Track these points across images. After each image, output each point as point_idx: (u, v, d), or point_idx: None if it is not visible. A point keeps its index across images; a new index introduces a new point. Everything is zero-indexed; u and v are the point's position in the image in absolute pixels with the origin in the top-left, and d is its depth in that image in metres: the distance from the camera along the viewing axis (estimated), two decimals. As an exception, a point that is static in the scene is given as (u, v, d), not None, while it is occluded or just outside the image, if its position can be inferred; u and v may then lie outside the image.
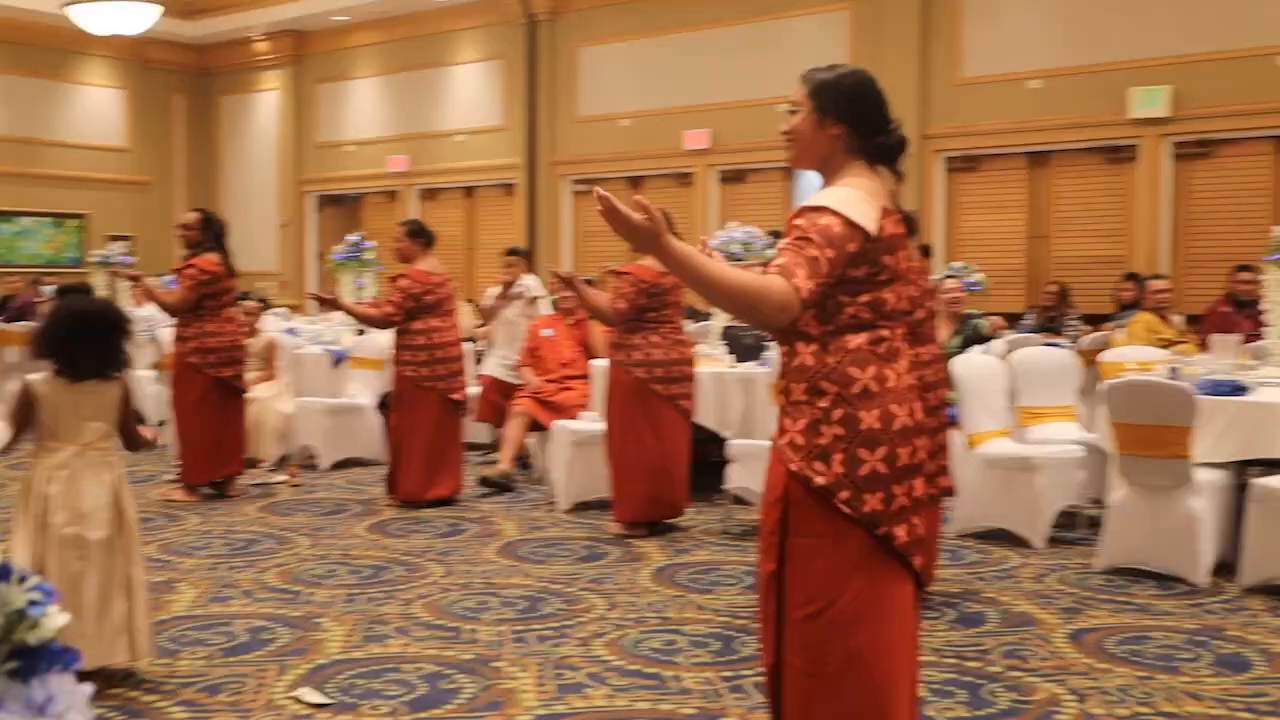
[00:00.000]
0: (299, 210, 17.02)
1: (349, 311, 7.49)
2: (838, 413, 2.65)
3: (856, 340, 2.68)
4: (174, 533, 6.47)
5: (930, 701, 3.95)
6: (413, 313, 7.14)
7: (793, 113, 2.80)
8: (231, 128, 17.88)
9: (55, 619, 1.30)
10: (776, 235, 7.46)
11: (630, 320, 6.36)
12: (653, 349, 6.37)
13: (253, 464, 8.10)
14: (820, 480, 2.65)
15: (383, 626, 4.78)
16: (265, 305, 10.45)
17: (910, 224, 3.19)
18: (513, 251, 9.02)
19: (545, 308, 8.81)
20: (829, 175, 2.79)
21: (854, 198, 2.66)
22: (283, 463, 8.37)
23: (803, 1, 12.47)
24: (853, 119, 2.75)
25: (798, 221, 2.63)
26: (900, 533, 2.67)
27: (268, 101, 17.40)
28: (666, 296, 6.44)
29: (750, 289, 2.48)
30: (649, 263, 6.32)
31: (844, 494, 2.64)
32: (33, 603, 1.29)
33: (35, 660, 1.28)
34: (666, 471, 6.41)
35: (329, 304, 7.48)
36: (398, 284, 7.16)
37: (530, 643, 4.58)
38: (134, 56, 17.15)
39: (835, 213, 2.61)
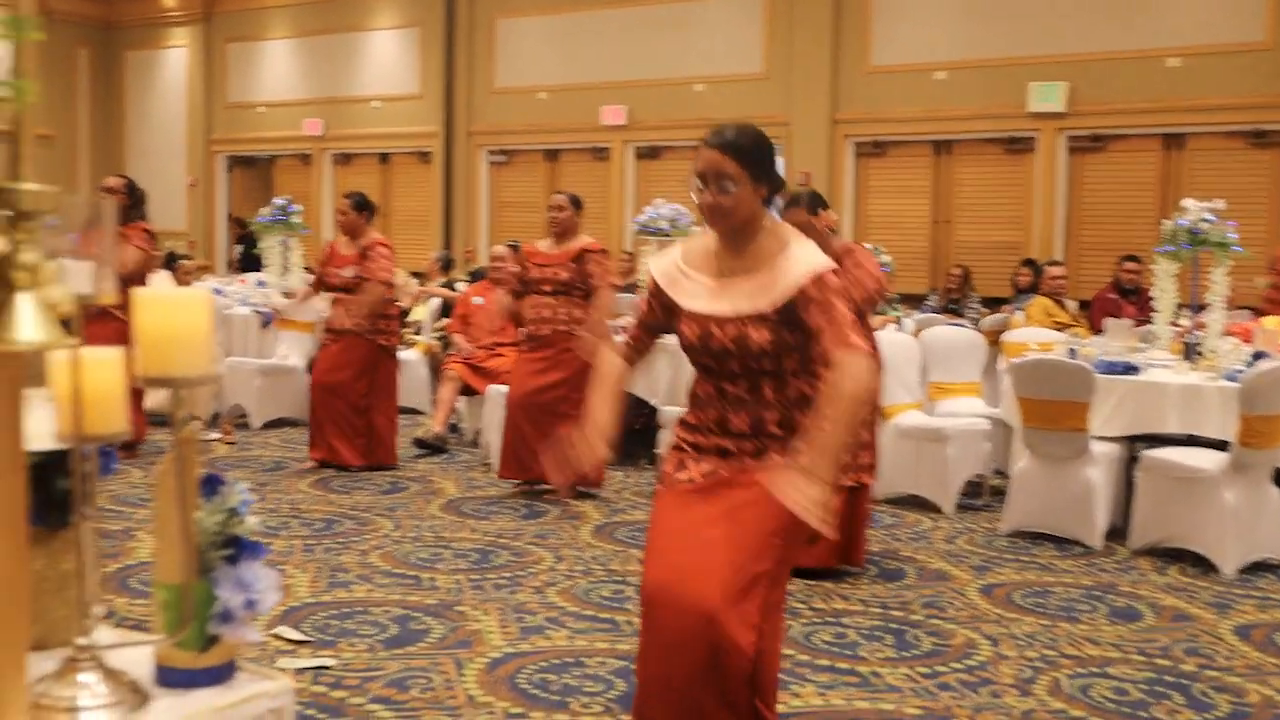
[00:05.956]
0: (208, 170, 16.89)
1: (362, 302, 7.15)
2: None
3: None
4: (119, 485, 6.59)
5: (861, 645, 4.36)
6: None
7: (725, 188, 2.80)
8: (138, 84, 17.62)
9: (254, 515, 1.59)
10: None
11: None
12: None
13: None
14: None
15: (345, 574, 5.04)
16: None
17: None
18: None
19: None
20: (751, 229, 2.89)
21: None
22: (215, 420, 8.50)
23: (719, -15, 12.81)
24: (770, 176, 2.91)
25: (821, 284, 2.81)
26: None
27: (176, 59, 17.20)
28: None
29: (863, 390, 2.73)
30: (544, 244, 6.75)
31: None
32: (244, 502, 1.57)
33: (241, 550, 1.56)
34: None
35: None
36: (381, 252, 7.18)
37: (488, 590, 4.88)
38: (37, 6, 16.75)
39: (835, 272, 2.90)
